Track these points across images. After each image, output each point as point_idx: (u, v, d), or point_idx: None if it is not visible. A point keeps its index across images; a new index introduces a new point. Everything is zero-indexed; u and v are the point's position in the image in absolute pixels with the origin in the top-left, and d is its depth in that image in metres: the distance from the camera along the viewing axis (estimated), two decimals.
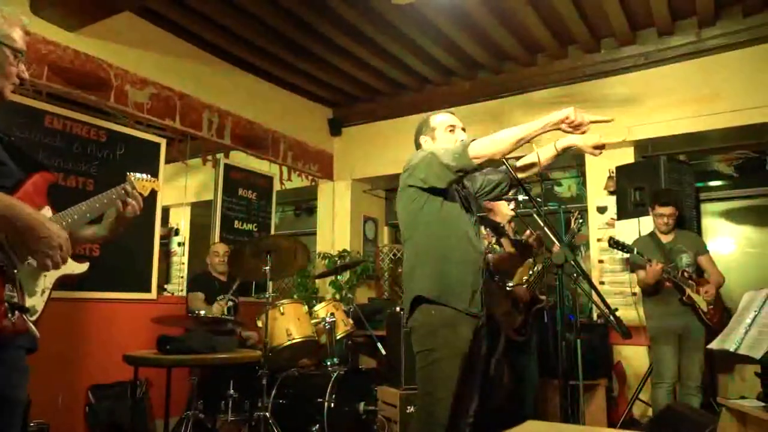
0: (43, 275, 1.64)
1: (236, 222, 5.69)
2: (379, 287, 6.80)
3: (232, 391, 3.76)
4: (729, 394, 4.77)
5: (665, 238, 4.14)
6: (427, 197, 2.55)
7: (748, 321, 2.61)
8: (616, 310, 2.63)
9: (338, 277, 5.74)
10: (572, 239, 4.11)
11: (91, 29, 4.15)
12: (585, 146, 2.53)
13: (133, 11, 4.45)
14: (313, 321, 4.19)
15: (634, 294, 4.75)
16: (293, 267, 4.31)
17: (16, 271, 1.53)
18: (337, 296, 5.90)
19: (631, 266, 4.35)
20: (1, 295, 1.47)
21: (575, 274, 2.60)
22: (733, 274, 4.53)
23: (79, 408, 4.09)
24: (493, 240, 3.70)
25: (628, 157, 5.11)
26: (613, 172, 5.08)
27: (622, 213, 4.89)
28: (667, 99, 4.96)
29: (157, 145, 4.84)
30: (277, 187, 6.17)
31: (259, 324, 3.99)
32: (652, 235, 4.21)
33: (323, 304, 4.40)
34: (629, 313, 4.62)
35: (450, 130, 2.69)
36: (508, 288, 3.73)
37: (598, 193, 5.30)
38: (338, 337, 4.20)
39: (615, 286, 5.05)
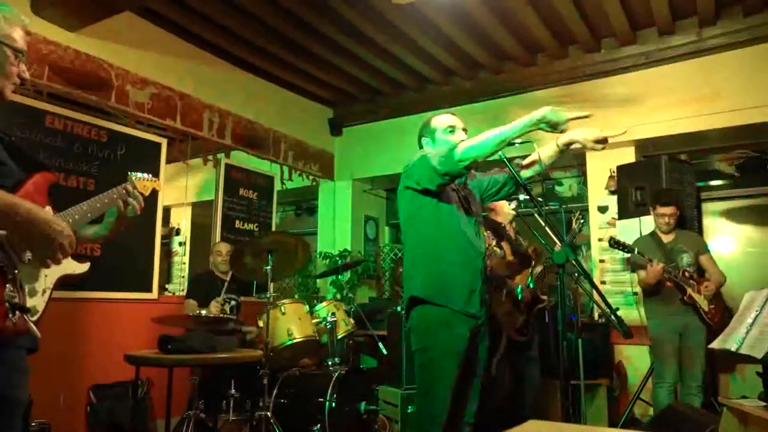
0: (44, 275, 1.64)
1: (237, 222, 5.69)
2: (380, 287, 6.80)
3: (233, 391, 3.76)
4: (730, 394, 4.77)
5: (666, 238, 4.14)
6: (422, 199, 2.58)
7: (750, 321, 2.60)
8: (618, 309, 2.64)
9: (339, 276, 5.75)
10: (573, 239, 4.11)
11: (91, 29, 4.15)
12: (586, 141, 2.53)
13: (134, 11, 4.45)
14: (314, 321, 4.19)
15: (635, 294, 4.75)
16: (295, 264, 4.31)
17: (16, 271, 1.53)
18: (338, 296, 5.90)
19: (632, 266, 4.35)
20: (1, 295, 1.47)
21: (576, 274, 2.60)
22: (734, 273, 4.53)
23: (80, 408, 4.09)
24: (494, 242, 3.70)
25: (629, 156, 5.11)
26: (614, 172, 5.08)
27: (623, 212, 4.89)
28: (668, 99, 4.95)
29: (158, 145, 4.84)
30: (277, 186, 6.16)
31: (261, 324, 3.99)
32: (653, 234, 4.21)
33: (324, 303, 4.39)
34: (630, 312, 4.61)
35: (450, 131, 2.70)
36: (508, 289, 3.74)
37: (599, 193, 5.29)
38: (339, 337, 4.20)
39: (616, 286, 5.05)
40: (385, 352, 4.53)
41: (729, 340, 2.65)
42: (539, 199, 3.60)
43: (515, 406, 3.73)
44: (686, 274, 3.93)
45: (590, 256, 5.37)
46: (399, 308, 4.45)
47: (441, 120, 2.76)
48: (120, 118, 4.63)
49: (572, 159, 5.42)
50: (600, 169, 5.26)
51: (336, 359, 4.07)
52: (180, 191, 6.60)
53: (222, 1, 4.41)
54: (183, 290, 6.26)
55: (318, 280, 6.32)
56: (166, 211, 7.61)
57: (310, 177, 6.52)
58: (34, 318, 1.58)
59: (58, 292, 1.71)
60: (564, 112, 2.26)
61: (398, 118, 6.32)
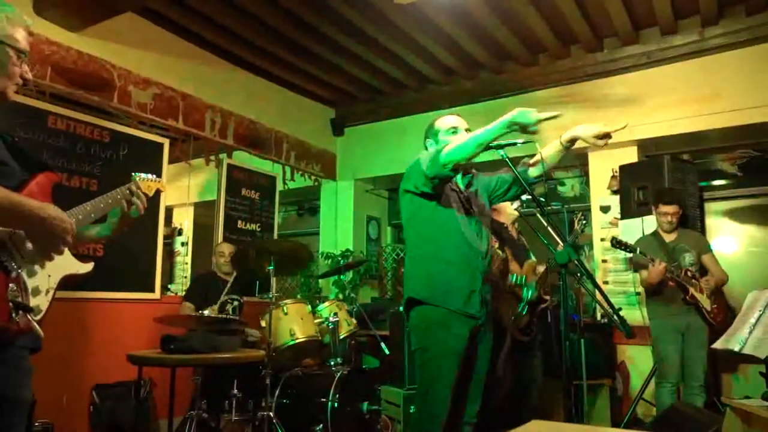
0: (47, 275, 1.65)
1: (239, 222, 5.69)
2: (382, 287, 6.81)
3: (235, 391, 3.76)
4: (733, 394, 4.76)
5: (668, 237, 4.13)
6: (422, 200, 2.62)
7: (753, 321, 2.60)
8: (620, 309, 2.63)
9: (341, 276, 5.75)
10: (576, 240, 4.10)
11: (93, 30, 4.16)
12: (587, 136, 2.54)
13: (136, 12, 4.45)
14: (317, 321, 4.19)
15: (637, 293, 4.74)
16: (298, 266, 4.33)
17: (20, 270, 1.54)
18: (341, 296, 5.90)
19: (634, 266, 4.34)
20: (4, 294, 1.47)
21: (579, 274, 2.60)
22: (736, 273, 4.52)
23: (83, 408, 4.10)
24: (496, 245, 3.69)
25: (631, 156, 5.10)
26: (616, 172, 5.07)
27: (626, 212, 4.89)
28: (670, 98, 4.95)
29: (161, 146, 4.84)
30: (280, 186, 6.17)
31: (263, 324, 3.99)
32: (655, 234, 4.21)
33: (326, 303, 4.40)
34: (633, 312, 4.61)
35: (453, 132, 2.71)
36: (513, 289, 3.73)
37: (602, 193, 5.29)
38: (341, 337, 4.20)
39: (618, 286, 5.04)
40: (387, 352, 4.53)
41: (732, 340, 2.64)
42: (541, 199, 3.59)
43: (518, 406, 3.72)
44: (688, 273, 3.93)
45: (593, 256, 5.37)
46: (401, 308, 4.44)
47: (444, 121, 2.78)
48: (122, 119, 4.64)
49: (574, 159, 5.42)
50: (602, 168, 5.26)
51: (338, 359, 4.07)
52: (182, 191, 6.61)
53: (223, 1, 4.42)
54: (185, 290, 6.26)
55: (320, 280, 6.32)
56: (169, 211, 7.62)
57: (312, 177, 6.52)
58: (38, 317, 1.58)
59: (62, 292, 1.71)
60: (534, 114, 2.27)
61: (399, 118, 6.32)
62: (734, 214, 5.52)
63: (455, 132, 2.71)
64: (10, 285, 1.49)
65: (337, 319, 4.15)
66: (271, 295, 3.95)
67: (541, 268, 3.83)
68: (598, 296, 2.52)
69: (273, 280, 3.99)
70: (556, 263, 2.45)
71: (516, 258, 3.79)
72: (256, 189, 5.91)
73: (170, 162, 5.03)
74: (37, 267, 1.61)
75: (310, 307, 4.26)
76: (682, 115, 4.88)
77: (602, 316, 4.94)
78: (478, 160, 2.77)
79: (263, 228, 5.93)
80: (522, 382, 3.75)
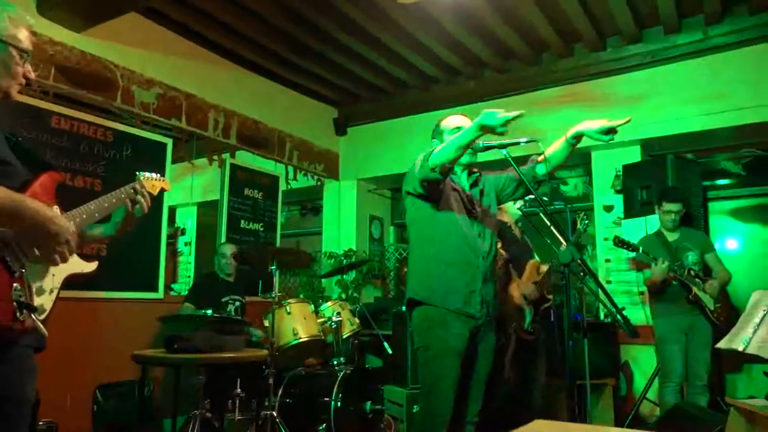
0: (51, 274, 1.65)
1: (242, 222, 5.69)
2: (385, 286, 6.81)
3: (239, 390, 3.77)
4: (737, 394, 4.74)
5: (671, 237, 4.13)
6: (421, 202, 2.66)
7: (757, 320, 2.59)
8: (623, 309, 2.63)
9: (344, 276, 5.75)
10: (578, 239, 4.10)
11: (97, 30, 4.17)
12: (592, 132, 2.54)
13: (139, 12, 4.46)
14: (320, 320, 4.20)
15: (641, 293, 4.73)
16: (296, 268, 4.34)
17: (24, 270, 1.54)
18: (343, 295, 5.90)
19: (637, 265, 4.33)
20: (9, 294, 1.48)
21: (582, 273, 2.60)
22: (740, 273, 4.51)
23: (87, 407, 4.10)
24: (499, 245, 3.68)
25: (634, 155, 5.09)
26: (619, 171, 5.06)
27: (629, 212, 4.88)
28: (674, 97, 4.93)
29: (164, 145, 4.85)
30: (282, 186, 6.18)
31: (266, 323, 4.00)
32: (658, 233, 4.20)
33: (329, 303, 4.40)
34: (636, 312, 4.60)
35: (457, 132, 2.71)
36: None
37: (605, 192, 5.28)
38: (344, 337, 4.21)
39: (622, 285, 5.03)
40: (390, 351, 4.53)
41: (736, 340, 2.63)
42: (544, 198, 3.58)
43: (521, 405, 3.72)
44: (691, 272, 3.92)
45: (596, 256, 5.36)
46: (404, 308, 4.45)
47: (449, 121, 2.80)
48: (125, 119, 4.65)
49: (577, 158, 5.40)
50: (605, 168, 5.25)
51: (341, 359, 4.07)
52: (185, 191, 6.62)
53: (226, 1, 4.42)
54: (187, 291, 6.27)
55: (323, 280, 6.32)
56: (172, 211, 7.63)
57: (315, 177, 6.53)
58: (42, 317, 1.58)
59: (66, 292, 1.72)
60: (500, 115, 2.28)
61: (403, 118, 6.32)
62: (738, 214, 5.50)
63: (460, 131, 2.71)
64: (14, 285, 1.50)
65: (340, 318, 4.16)
66: (274, 295, 3.96)
67: (544, 268, 3.83)
68: (602, 296, 2.52)
69: (276, 280, 4.00)
70: (559, 262, 2.45)
71: (519, 259, 3.78)
72: (259, 189, 5.92)
73: (173, 162, 5.05)
74: (41, 266, 1.61)
75: (313, 306, 4.27)
76: (687, 114, 4.86)
77: (605, 316, 4.94)
78: (482, 159, 2.79)
79: (266, 228, 5.94)
80: (525, 381, 3.75)
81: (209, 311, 4.02)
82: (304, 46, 5.13)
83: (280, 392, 3.87)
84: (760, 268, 5.19)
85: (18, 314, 1.48)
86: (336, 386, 3.74)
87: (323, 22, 4.74)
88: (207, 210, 7.40)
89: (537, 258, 3.94)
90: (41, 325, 1.55)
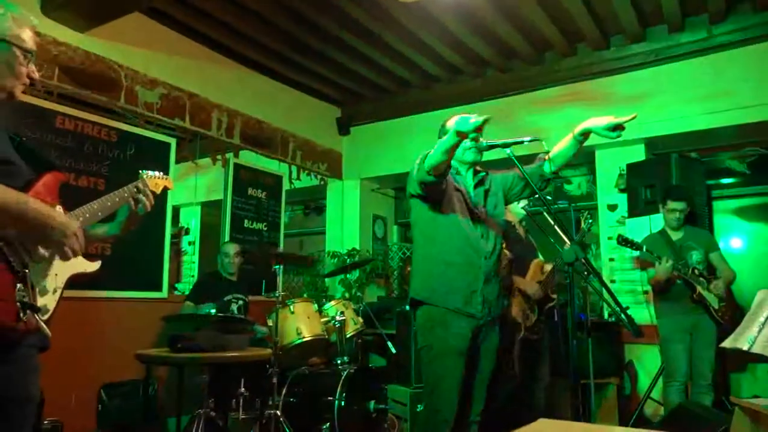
0: (54, 274, 1.65)
1: (246, 221, 5.70)
2: (388, 286, 6.80)
3: (243, 390, 3.77)
4: (742, 393, 4.73)
5: (675, 235, 4.12)
6: (423, 203, 2.68)
7: (762, 319, 2.58)
8: (628, 308, 2.63)
9: (348, 275, 5.75)
10: (582, 238, 4.09)
11: (101, 30, 4.18)
12: (599, 128, 2.54)
13: (142, 12, 4.47)
14: (323, 319, 4.20)
15: (645, 292, 4.72)
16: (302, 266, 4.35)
17: (27, 270, 1.54)
18: (347, 295, 5.90)
19: (641, 264, 4.32)
20: (12, 294, 1.48)
21: (586, 273, 2.59)
22: (745, 272, 4.49)
23: (91, 406, 4.11)
24: (504, 244, 3.68)
25: (639, 154, 5.08)
26: (623, 170, 5.05)
27: (633, 211, 4.86)
28: (677, 96, 4.91)
29: (167, 145, 4.86)
30: (286, 186, 6.18)
31: (270, 323, 4.00)
32: (662, 232, 4.19)
33: (333, 302, 4.41)
34: (640, 311, 4.58)
35: None
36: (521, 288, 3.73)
37: (609, 191, 5.26)
38: (348, 336, 4.21)
39: (626, 285, 5.02)
40: (393, 350, 4.53)
41: (741, 339, 2.62)
42: (548, 197, 3.58)
43: (525, 404, 3.72)
44: (696, 271, 3.91)
45: (600, 255, 5.35)
46: (407, 307, 4.45)
47: (453, 121, 2.78)
48: (129, 118, 4.66)
49: (581, 157, 5.39)
50: (609, 167, 5.23)
51: (345, 358, 4.07)
52: (189, 191, 6.63)
53: (229, 1, 4.42)
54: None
55: (327, 279, 6.32)
56: (176, 210, 7.65)
57: (318, 176, 6.53)
58: (46, 317, 1.59)
59: (69, 291, 1.72)
60: (472, 120, 2.28)
61: (406, 117, 6.31)
62: (742, 213, 5.48)
63: None
64: (18, 285, 1.50)
65: (343, 317, 4.16)
66: (277, 294, 3.96)
67: (548, 267, 3.82)
68: (606, 295, 2.51)
69: (280, 280, 4.00)
70: (564, 262, 2.44)
71: (523, 258, 3.78)
72: (262, 188, 5.92)
73: (177, 161, 5.05)
74: (44, 266, 1.62)
75: (316, 305, 4.27)
76: (690, 112, 4.85)
77: (609, 315, 4.93)
78: (486, 158, 2.80)
79: (270, 227, 5.94)
80: (528, 381, 3.75)
81: (210, 309, 4.04)
82: (307, 45, 5.13)
83: (283, 391, 3.88)
84: (764, 267, 5.18)
85: (21, 314, 1.48)
86: (340, 385, 3.74)
87: (326, 22, 4.74)
88: (211, 209, 7.41)
89: (541, 257, 3.93)
90: (44, 326, 1.56)
